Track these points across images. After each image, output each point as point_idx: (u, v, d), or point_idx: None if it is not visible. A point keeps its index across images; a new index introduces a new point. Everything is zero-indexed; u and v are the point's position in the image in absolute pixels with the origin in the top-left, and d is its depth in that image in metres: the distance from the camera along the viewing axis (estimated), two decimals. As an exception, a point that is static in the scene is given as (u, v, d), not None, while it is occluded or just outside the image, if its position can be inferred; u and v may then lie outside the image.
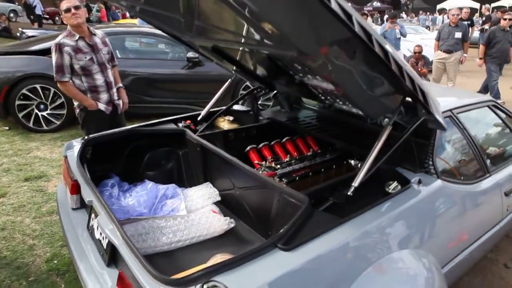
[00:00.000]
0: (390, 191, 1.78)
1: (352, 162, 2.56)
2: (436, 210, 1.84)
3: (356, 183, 1.67)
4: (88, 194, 1.78)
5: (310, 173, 2.41)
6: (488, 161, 2.33)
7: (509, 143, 2.77)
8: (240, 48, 2.13)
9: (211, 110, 2.77)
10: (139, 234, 1.81)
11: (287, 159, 2.60)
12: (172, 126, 2.63)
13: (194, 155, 2.47)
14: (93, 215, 1.76)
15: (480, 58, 7.35)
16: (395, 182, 1.80)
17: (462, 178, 2.11)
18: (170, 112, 5.15)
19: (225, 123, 2.82)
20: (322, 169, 2.49)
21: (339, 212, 1.63)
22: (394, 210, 1.66)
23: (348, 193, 1.66)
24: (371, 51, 1.25)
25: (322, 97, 2.18)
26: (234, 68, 2.56)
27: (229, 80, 2.75)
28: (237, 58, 2.31)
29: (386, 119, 1.79)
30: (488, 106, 2.63)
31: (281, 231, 1.41)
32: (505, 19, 7.04)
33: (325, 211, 1.64)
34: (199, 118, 2.72)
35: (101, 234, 1.65)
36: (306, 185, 2.34)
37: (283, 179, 2.31)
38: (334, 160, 2.62)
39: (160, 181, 2.43)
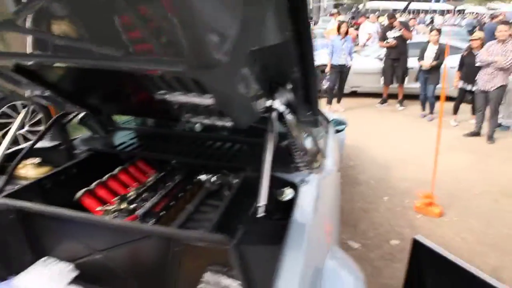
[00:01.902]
0: (285, 199, 1.72)
1: (202, 177, 2.36)
2: (326, 201, 1.90)
3: (263, 200, 1.53)
4: None
5: (171, 203, 2.08)
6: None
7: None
8: (66, 65, 1.53)
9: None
10: None
11: (131, 193, 2.14)
12: None
13: (7, 227, 1.66)
14: None
15: None
16: (286, 188, 1.76)
17: (319, 165, 2.23)
18: None
19: (29, 170, 2.04)
20: (180, 194, 2.20)
21: (260, 240, 1.45)
22: (306, 218, 1.58)
23: (259, 215, 1.51)
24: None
25: (177, 113, 1.86)
26: (36, 92, 1.85)
27: (25, 109, 1.98)
28: (52, 79, 1.67)
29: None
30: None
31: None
32: None
33: (248, 244, 1.41)
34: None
35: None
36: (173, 218, 2.00)
37: (147, 220, 1.90)
38: (185, 180, 2.35)
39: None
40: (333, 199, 2.16)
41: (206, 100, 1.59)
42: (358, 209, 3.65)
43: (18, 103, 4.44)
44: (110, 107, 2.05)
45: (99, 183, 2.09)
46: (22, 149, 2.04)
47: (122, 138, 2.57)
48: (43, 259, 1.65)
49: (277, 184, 1.78)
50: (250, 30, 1.02)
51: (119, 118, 2.85)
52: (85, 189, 1.99)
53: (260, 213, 1.49)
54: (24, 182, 1.90)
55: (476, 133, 5.99)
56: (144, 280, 1.59)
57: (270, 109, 1.77)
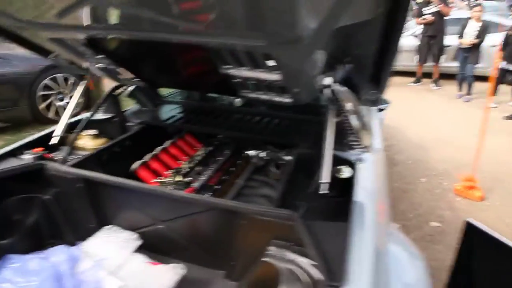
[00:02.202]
0: (344, 176, 1.71)
1: (250, 152, 2.37)
2: (380, 180, 1.88)
3: (326, 178, 1.53)
4: None
5: (224, 177, 2.11)
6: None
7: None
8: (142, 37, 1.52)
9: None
10: None
11: (184, 166, 2.18)
12: (15, 160, 1.75)
13: (73, 195, 1.73)
14: None
15: None
16: (344, 166, 1.75)
17: (369, 144, 2.19)
18: None
19: (87, 140, 2.09)
20: (231, 168, 2.23)
21: (325, 216, 1.46)
22: (368, 196, 1.54)
23: (322, 192, 1.51)
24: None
25: (235, 88, 1.86)
26: (93, 64, 1.87)
27: (84, 83, 2.02)
28: (117, 51, 1.68)
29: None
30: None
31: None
32: None
33: (314, 220, 1.42)
34: (53, 142, 1.91)
35: None
36: (225, 192, 2.03)
37: (202, 192, 1.94)
38: (234, 155, 2.38)
39: (22, 248, 1.60)
40: (384, 178, 2.14)
41: (272, 76, 1.56)
42: (396, 189, 3.61)
43: (60, 75, 4.54)
44: (167, 80, 2.05)
45: (152, 156, 2.13)
46: (79, 120, 2.08)
47: (170, 111, 2.59)
48: (108, 226, 1.72)
49: (333, 162, 1.77)
50: (342, 5, 0.99)
51: (164, 92, 2.87)
52: (141, 161, 2.04)
53: (323, 190, 1.50)
54: (84, 153, 1.96)
55: (517, 116, 5.77)
56: (206, 251, 1.63)
57: (329, 86, 1.74)
